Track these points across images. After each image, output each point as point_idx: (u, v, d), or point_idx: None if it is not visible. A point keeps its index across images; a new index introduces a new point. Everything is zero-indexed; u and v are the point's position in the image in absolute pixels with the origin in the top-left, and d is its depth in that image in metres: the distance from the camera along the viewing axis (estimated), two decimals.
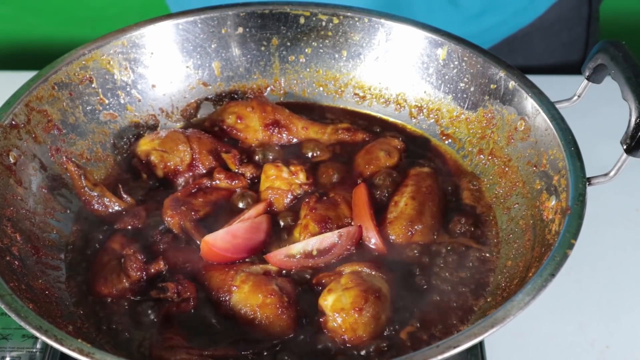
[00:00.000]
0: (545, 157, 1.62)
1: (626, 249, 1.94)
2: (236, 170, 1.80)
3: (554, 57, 2.50)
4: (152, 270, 1.61)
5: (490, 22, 2.35)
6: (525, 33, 2.44)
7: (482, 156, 1.81)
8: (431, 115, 1.92)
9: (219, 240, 1.62)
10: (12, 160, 1.67)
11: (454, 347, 1.29)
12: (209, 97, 1.99)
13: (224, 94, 2.00)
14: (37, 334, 1.34)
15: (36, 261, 1.60)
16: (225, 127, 1.89)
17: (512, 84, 1.74)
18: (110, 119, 1.89)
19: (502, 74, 1.77)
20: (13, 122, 1.69)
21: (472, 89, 1.84)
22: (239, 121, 1.88)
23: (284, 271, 1.61)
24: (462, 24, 2.29)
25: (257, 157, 1.84)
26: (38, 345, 1.64)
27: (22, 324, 1.35)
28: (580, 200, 1.47)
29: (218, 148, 1.84)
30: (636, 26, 3.17)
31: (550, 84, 1.84)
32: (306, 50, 1.99)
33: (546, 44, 2.47)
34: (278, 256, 1.61)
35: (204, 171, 1.80)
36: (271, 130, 1.86)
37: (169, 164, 1.79)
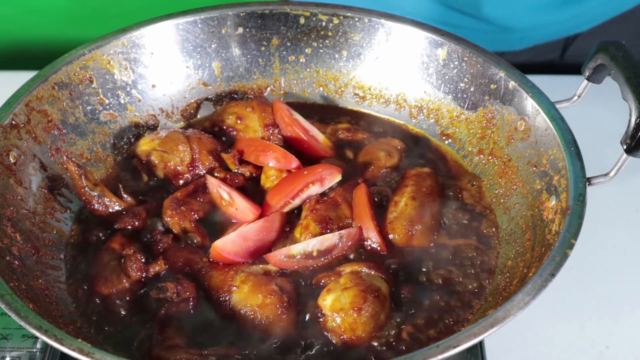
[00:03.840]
0: (545, 157, 1.62)
1: (626, 249, 1.94)
2: (236, 170, 1.80)
3: None
4: (152, 271, 1.61)
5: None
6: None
7: (482, 156, 1.81)
8: (431, 115, 1.92)
9: (229, 245, 1.62)
10: (12, 160, 1.66)
11: (454, 347, 1.29)
12: (209, 97, 1.99)
13: (224, 94, 2.00)
14: (37, 334, 1.34)
15: (36, 261, 1.60)
16: (225, 127, 1.89)
17: (512, 84, 1.74)
18: (110, 119, 1.89)
19: (502, 74, 1.77)
20: (13, 122, 1.69)
21: (472, 89, 1.84)
22: (238, 121, 1.88)
23: (283, 271, 1.61)
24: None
25: None
26: (38, 345, 1.64)
27: (22, 323, 1.35)
28: (580, 200, 1.47)
29: (218, 148, 1.84)
30: None
31: (551, 84, 1.84)
32: (306, 50, 1.99)
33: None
34: (278, 256, 1.61)
35: (204, 171, 1.80)
36: (271, 131, 1.86)
37: (169, 164, 1.79)
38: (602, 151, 1.69)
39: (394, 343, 1.50)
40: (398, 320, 1.53)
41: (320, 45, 1.98)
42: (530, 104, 1.69)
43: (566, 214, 1.46)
